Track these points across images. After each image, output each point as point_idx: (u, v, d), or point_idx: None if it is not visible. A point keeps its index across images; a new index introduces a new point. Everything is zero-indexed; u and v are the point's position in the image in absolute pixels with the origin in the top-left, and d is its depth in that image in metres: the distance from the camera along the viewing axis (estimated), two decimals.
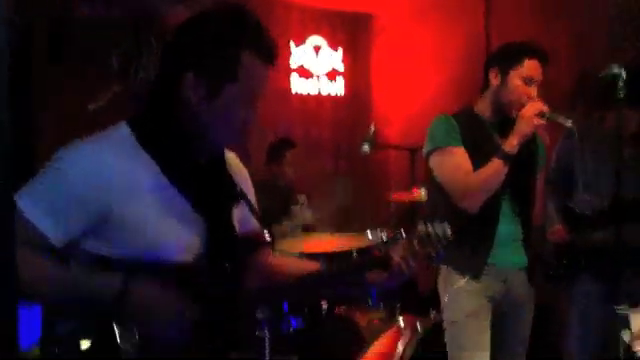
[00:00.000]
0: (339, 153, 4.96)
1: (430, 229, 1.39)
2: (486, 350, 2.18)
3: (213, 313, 1.26)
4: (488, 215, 2.19)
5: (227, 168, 1.40)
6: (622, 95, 2.05)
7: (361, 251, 2.78)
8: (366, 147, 3.46)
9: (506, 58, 2.22)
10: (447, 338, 2.26)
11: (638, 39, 3.30)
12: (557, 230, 2.81)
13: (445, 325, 2.28)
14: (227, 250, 1.32)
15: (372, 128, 3.52)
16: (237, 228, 1.40)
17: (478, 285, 2.19)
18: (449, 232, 1.40)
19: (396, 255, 1.38)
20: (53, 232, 1.17)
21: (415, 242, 1.39)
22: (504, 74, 2.20)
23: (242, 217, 1.42)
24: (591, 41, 3.55)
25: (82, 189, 1.18)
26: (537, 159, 2.35)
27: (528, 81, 2.17)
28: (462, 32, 4.28)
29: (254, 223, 1.43)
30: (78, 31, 3.64)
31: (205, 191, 1.31)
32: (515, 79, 2.18)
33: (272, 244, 1.46)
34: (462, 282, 2.20)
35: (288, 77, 4.69)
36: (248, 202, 1.40)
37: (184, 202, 1.27)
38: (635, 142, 2.60)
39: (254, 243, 1.45)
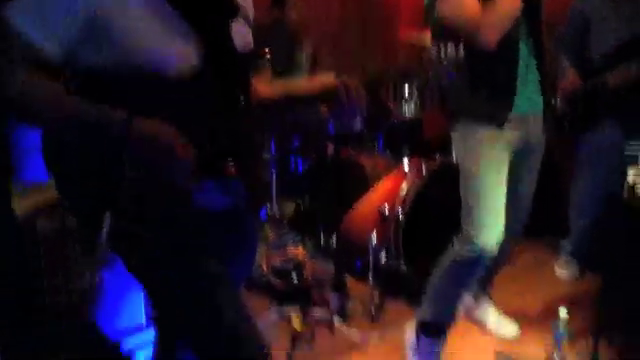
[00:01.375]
0: None
1: (442, 48, 1.33)
2: (502, 202, 2.15)
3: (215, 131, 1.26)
4: (506, 55, 2.04)
5: None
6: None
7: None
8: None
9: None
10: (463, 188, 2.19)
11: None
12: (571, 80, 2.81)
13: (462, 176, 2.20)
14: (226, 65, 1.29)
15: None
16: (238, 41, 1.35)
17: (500, 135, 2.11)
18: (461, 51, 1.33)
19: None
20: (48, 43, 1.15)
21: (425, 61, 1.35)
22: None
23: (240, 33, 1.36)
24: None
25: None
26: None
27: None
28: None
29: (251, 40, 1.40)
30: None
31: (202, 2, 1.26)
32: None
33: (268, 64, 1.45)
34: (485, 133, 2.12)
35: None
36: (248, 21, 1.35)
37: (175, 13, 1.22)
38: None
39: (253, 60, 1.42)
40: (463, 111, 2.16)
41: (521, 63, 2.09)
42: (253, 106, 1.43)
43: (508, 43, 2.01)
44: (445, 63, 1.32)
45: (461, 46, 1.30)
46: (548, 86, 2.21)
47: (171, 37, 1.21)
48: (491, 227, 2.13)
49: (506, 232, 2.17)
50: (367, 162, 3.14)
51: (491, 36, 1.96)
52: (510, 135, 2.14)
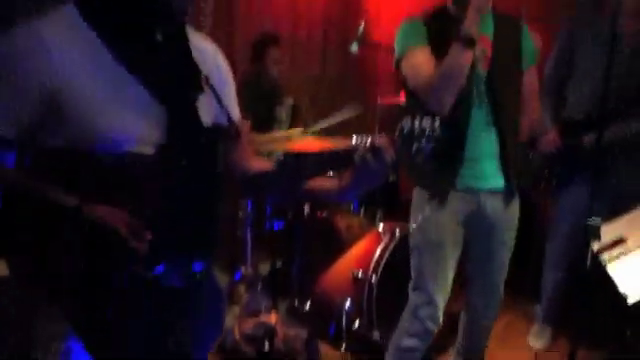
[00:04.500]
0: (328, 52, 4.80)
1: (416, 122, 1.27)
2: (445, 280, 2.14)
3: (177, 210, 1.21)
4: (457, 124, 2.01)
5: (194, 54, 1.29)
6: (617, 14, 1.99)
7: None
8: (355, 47, 3.35)
9: None
10: (411, 261, 2.20)
11: None
12: (552, 138, 2.77)
13: (410, 248, 2.21)
14: (189, 141, 1.23)
15: (361, 28, 3.37)
16: (208, 119, 1.30)
17: (445, 211, 2.08)
18: (437, 124, 1.27)
19: (358, 153, 1.28)
20: (2, 125, 1.13)
21: (397, 135, 1.28)
22: None
23: (214, 108, 1.32)
24: None
25: (23, 75, 1.12)
26: (521, 56, 2.14)
27: None
28: None
29: (227, 116, 1.34)
30: None
31: (163, 74, 1.22)
32: None
33: (239, 137, 1.36)
34: (428, 209, 2.11)
35: None
36: (215, 93, 1.30)
37: (137, 84, 1.18)
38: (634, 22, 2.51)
39: (222, 134, 1.34)
40: (415, 178, 2.18)
41: (473, 134, 2.04)
42: (234, 180, 1.39)
43: (456, 111, 1.97)
44: (417, 133, 1.28)
45: (437, 120, 1.28)
46: (512, 162, 2.12)
47: (133, 113, 1.17)
48: (432, 298, 2.13)
49: (475, 316, 2.16)
50: (342, 223, 3.14)
51: (439, 102, 1.94)
52: (458, 211, 2.09)
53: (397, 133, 1.28)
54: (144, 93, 1.19)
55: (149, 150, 1.19)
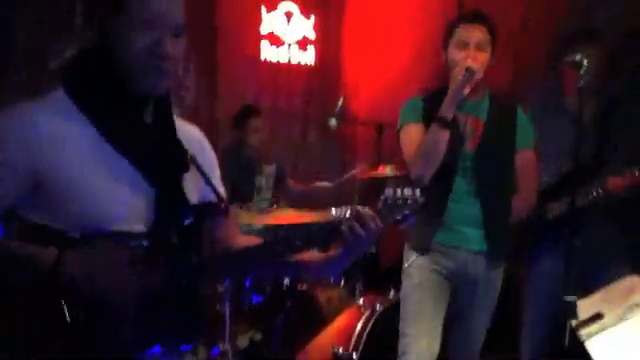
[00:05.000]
0: (308, 123, 4.90)
1: (398, 190, 1.31)
2: (428, 320, 2.22)
3: (161, 288, 1.20)
4: (438, 192, 2.19)
5: (179, 135, 1.32)
6: (582, 82, 2.10)
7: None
8: (333, 122, 3.43)
9: (445, 34, 2.27)
10: (400, 311, 2.32)
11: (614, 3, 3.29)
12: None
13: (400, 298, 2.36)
14: (176, 219, 1.25)
15: (340, 103, 3.47)
16: (193, 197, 1.32)
17: (427, 260, 2.24)
18: (419, 193, 1.32)
19: (345, 225, 1.29)
20: None
21: (380, 205, 1.31)
22: (446, 50, 2.25)
23: (200, 187, 1.34)
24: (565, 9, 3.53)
25: (12, 154, 1.15)
26: (514, 138, 2.30)
27: (462, 45, 2.19)
28: (434, 3, 4.21)
29: (212, 195, 1.35)
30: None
31: (150, 154, 1.25)
32: (451, 49, 2.23)
33: (227, 214, 1.37)
34: (412, 259, 2.28)
35: (258, 44, 4.56)
36: (202, 172, 1.32)
37: (125, 164, 1.21)
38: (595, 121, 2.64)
39: (209, 212, 1.36)
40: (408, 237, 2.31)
41: (455, 201, 2.21)
42: (219, 256, 1.37)
43: (440, 176, 2.16)
44: (400, 203, 1.32)
45: (418, 191, 1.34)
46: (495, 230, 2.24)
47: (121, 193, 1.20)
48: (414, 343, 2.18)
49: None
50: (322, 296, 3.13)
51: (419, 175, 2.14)
52: (439, 262, 2.23)
53: (380, 203, 1.31)
54: (132, 173, 1.22)
55: (138, 229, 1.21)
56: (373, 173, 3.34)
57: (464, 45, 2.18)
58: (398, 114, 2.36)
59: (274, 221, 2.99)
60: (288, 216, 3.04)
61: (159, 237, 1.22)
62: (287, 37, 4.71)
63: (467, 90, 2.14)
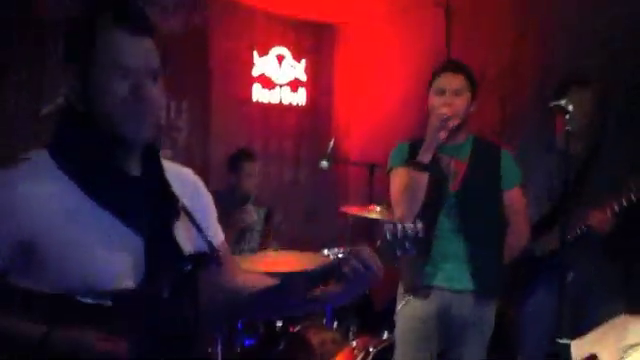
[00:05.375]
0: (299, 164, 4.94)
1: (399, 226, 1.30)
2: None
3: (156, 345, 1.18)
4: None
5: (171, 183, 1.30)
6: (569, 127, 2.15)
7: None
8: (325, 163, 3.45)
9: (428, 83, 2.41)
10: None
11: (602, 47, 3.38)
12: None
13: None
14: (168, 271, 1.22)
15: (331, 144, 3.50)
16: (187, 247, 1.29)
17: (416, 303, 2.33)
18: (420, 225, 1.31)
19: (347, 265, 1.28)
20: None
21: (379, 242, 1.30)
22: (428, 97, 2.38)
23: (194, 236, 1.31)
24: (551, 54, 3.63)
25: None
26: (499, 178, 2.38)
27: (440, 92, 2.33)
28: (423, 47, 4.31)
29: (207, 243, 1.32)
30: (37, 32, 3.52)
31: (137, 206, 1.22)
32: (431, 96, 2.36)
33: (220, 262, 1.33)
34: (404, 300, 2.37)
35: (250, 86, 4.62)
36: (193, 219, 1.30)
37: (112, 220, 1.19)
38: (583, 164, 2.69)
39: (201, 261, 1.32)
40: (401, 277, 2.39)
41: (439, 235, 2.31)
42: (218, 303, 1.35)
43: (424, 216, 2.17)
44: (400, 237, 1.31)
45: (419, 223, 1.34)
46: (481, 268, 2.30)
47: (110, 251, 1.17)
48: None
49: None
50: (315, 338, 3.09)
51: (400, 215, 2.27)
52: (430, 302, 2.30)
53: (380, 240, 1.30)
54: (120, 228, 1.20)
55: (129, 284, 1.18)
56: (364, 212, 3.35)
57: (442, 92, 2.32)
58: (389, 154, 2.46)
59: (265, 266, 2.98)
60: (280, 260, 3.03)
61: (151, 291, 1.20)
62: (278, 79, 4.79)
63: (443, 135, 2.24)
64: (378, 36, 4.68)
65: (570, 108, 2.15)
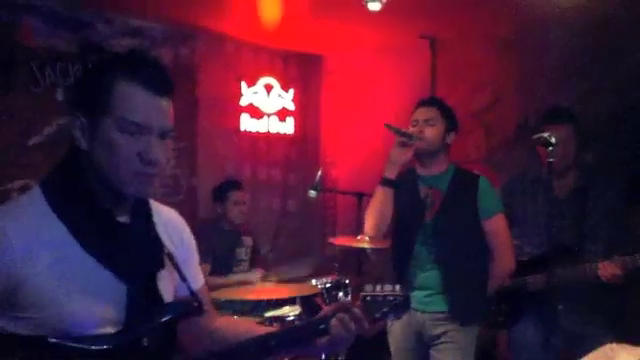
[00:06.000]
0: (288, 193, 4.94)
1: (377, 287, 1.34)
2: None
3: None
4: (400, 258, 2.44)
5: (157, 227, 1.31)
6: (552, 160, 2.18)
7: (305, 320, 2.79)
8: (313, 193, 3.45)
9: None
10: None
11: (583, 79, 3.45)
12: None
13: None
14: (148, 319, 1.22)
15: (319, 173, 3.51)
16: (169, 293, 1.30)
17: (400, 326, 2.46)
18: (399, 289, 1.34)
19: (336, 326, 1.29)
20: None
21: (359, 302, 1.33)
22: None
23: (176, 281, 1.32)
24: (536, 82, 3.69)
25: None
26: (477, 207, 2.44)
27: (414, 123, 2.51)
28: (409, 78, 4.37)
29: (189, 290, 1.32)
30: (23, 60, 3.52)
31: (123, 254, 1.21)
32: (409, 127, 2.52)
33: (202, 310, 1.33)
34: (390, 324, 2.52)
35: (238, 116, 4.65)
36: (178, 269, 1.30)
37: (97, 266, 1.18)
38: (569, 201, 2.71)
39: (186, 309, 1.32)
40: None
41: (415, 264, 2.41)
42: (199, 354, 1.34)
43: (401, 244, 2.41)
44: (379, 300, 1.33)
45: (397, 286, 1.38)
46: (456, 296, 2.38)
47: (93, 297, 1.16)
48: None
49: None
50: None
51: (368, 230, 2.43)
52: (409, 323, 2.41)
53: (360, 300, 1.33)
54: (105, 275, 1.19)
55: (110, 330, 1.17)
56: (353, 242, 3.34)
57: (416, 122, 2.50)
58: (377, 181, 2.52)
59: (254, 296, 2.96)
60: (266, 290, 3.01)
61: (130, 338, 1.19)
62: (266, 109, 4.82)
63: (409, 153, 2.41)
64: (364, 67, 4.75)
65: (553, 140, 2.19)
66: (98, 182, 1.20)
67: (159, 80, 1.20)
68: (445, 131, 2.48)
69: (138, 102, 1.18)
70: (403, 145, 2.39)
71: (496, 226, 2.46)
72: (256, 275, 3.56)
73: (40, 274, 1.13)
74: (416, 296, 2.40)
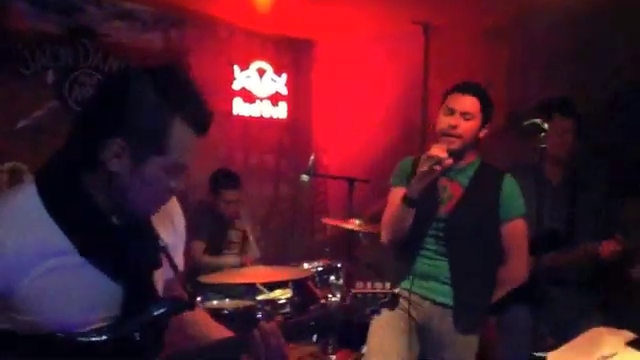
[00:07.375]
0: (280, 177, 4.94)
1: (368, 284, 1.37)
2: (387, 356, 2.25)
3: None
4: (410, 248, 2.30)
5: (153, 223, 1.30)
6: (544, 146, 2.17)
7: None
8: (305, 177, 3.46)
9: (440, 101, 2.37)
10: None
11: (574, 69, 3.46)
12: None
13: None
14: (143, 315, 1.23)
15: (312, 158, 3.52)
16: (162, 283, 1.32)
17: (396, 315, 2.26)
18: (389, 286, 1.38)
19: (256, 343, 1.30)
20: None
21: (349, 299, 1.36)
22: (438, 116, 2.35)
23: (165, 272, 1.34)
24: (527, 71, 3.70)
25: None
26: (497, 206, 2.26)
27: (450, 112, 2.27)
28: (402, 63, 4.36)
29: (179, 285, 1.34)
30: (13, 43, 3.49)
31: (120, 256, 1.21)
32: (440, 115, 2.31)
33: (193, 306, 1.36)
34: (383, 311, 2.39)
35: (230, 100, 4.63)
36: (172, 263, 1.31)
37: (94, 270, 1.18)
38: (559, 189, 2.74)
39: (181, 306, 1.33)
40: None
41: (424, 254, 2.27)
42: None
43: (412, 234, 2.26)
44: (369, 298, 1.37)
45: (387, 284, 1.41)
46: (464, 291, 2.24)
47: (88, 300, 1.17)
48: None
49: None
50: (294, 353, 3.06)
51: (385, 237, 2.32)
52: (411, 311, 2.25)
53: (349, 297, 1.36)
54: (101, 278, 1.19)
55: (105, 330, 1.19)
56: (344, 226, 3.36)
57: (451, 112, 2.26)
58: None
59: (244, 279, 2.97)
60: (258, 273, 3.03)
61: (122, 333, 1.20)
62: (259, 92, 4.80)
63: (438, 170, 2.16)
64: (357, 53, 4.74)
65: (546, 127, 2.15)
66: (109, 197, 1.19)
67: (208, 123, 1.22)
68: (481, 125, 2.27)
69: (189, 146, 1.20)
70: (431, 171, 2.16)
71: (514, 230, 2.27)
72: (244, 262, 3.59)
73: (36, 278, 1.13)
74: (421, 285, 2.27)
